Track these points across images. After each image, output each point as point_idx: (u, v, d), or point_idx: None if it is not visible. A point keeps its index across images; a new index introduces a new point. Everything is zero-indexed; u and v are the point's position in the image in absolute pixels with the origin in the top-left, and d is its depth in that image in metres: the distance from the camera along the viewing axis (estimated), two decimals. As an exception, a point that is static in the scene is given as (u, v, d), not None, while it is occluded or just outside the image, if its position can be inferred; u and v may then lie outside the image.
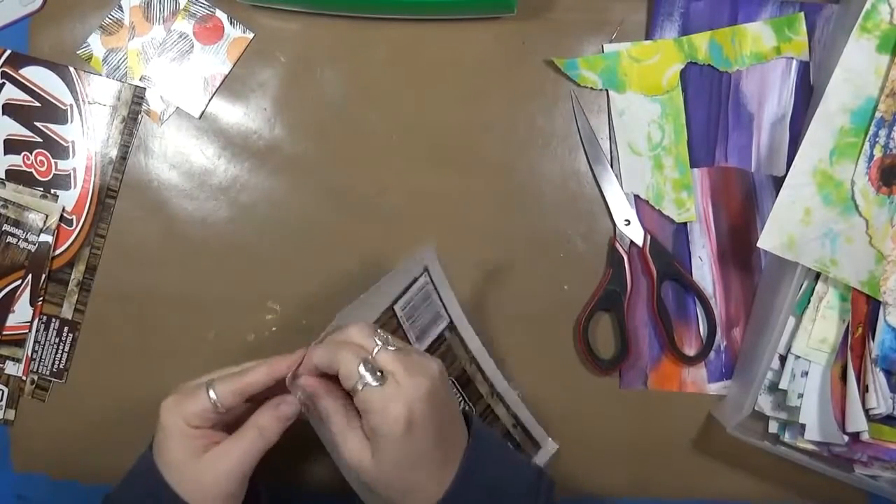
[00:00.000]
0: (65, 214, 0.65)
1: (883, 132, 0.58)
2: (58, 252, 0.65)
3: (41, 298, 0.65)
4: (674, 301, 0.65)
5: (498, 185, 0.65)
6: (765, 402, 0.62)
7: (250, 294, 0.64)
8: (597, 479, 0.65)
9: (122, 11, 0.65)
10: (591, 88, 0.64)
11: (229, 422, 0.52)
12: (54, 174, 0.65)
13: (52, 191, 0.65)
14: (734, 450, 0.64)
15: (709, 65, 0.64)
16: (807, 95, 0.64)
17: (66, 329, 0.65)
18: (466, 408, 0.63)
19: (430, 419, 0.48)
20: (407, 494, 0.49)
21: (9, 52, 0.65)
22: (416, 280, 0.59)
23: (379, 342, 0.50)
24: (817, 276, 0.61)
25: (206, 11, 0.65)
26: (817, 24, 0.64)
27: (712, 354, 0.64)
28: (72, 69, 0.65)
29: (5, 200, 0.65)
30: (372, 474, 0.48)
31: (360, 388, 0.47)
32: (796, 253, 0.58)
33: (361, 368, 0.48)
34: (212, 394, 0.50)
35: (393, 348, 0.49)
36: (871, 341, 0.59)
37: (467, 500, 0.49)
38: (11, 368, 0.65)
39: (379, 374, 0.48)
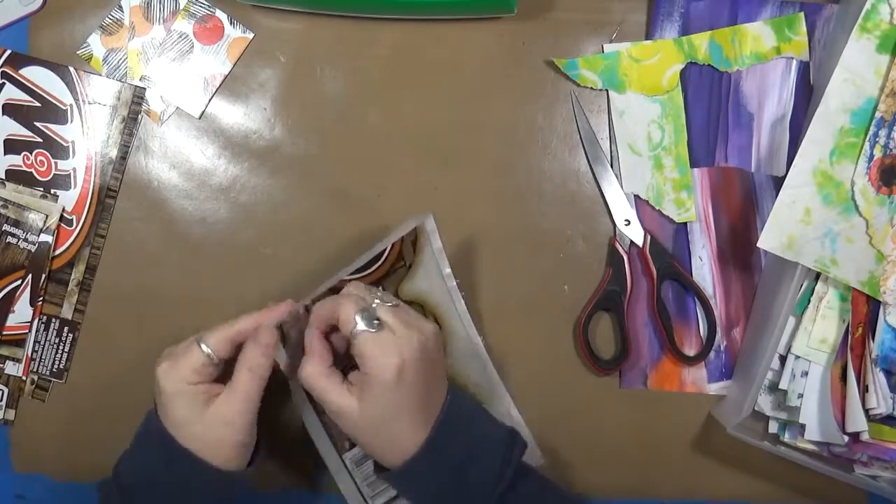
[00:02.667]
0: (65, 214, 0.65)
1: (883, 132, 0.58)
2: (58, 252, 0.65)
3: (41, 298, 0.65)
4: (674, 301, 0.65)
5: (498, 185, 0.65)
6: (765, 402, 0.62)
7: (250, 294, 0.64)
8: (597, 479, 0.65)
9: (122, 11, 0.65)
10: (591, 88, 0.64)
11: (225, 375, 0.54)
12: (54, 174, 0.65)
13: (52, 191, 0.65)
14: (734, 450, 0.64)
15: (709, 65, 0.64)
16: (807, 95, 0.64)
17: (66, 329, 0.65)
18: None
19: (420, 372, 0.51)
20: (386, 445, 0.51)
21: (9, 52, 0.65)
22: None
23: (377, 298, 0.53)
24: (817, 276, 0.61)
25: (206, 11, 0.65)
26: (817, 24, 0.64)
27: (712, 354, 0.65)
28: (72, 69, 0.65)
29: (5, 200, 0.65)
30: (356, 421, 0.51)
31: (357, 332, 0.50)
32: (796, 253, 0.58)
33: (359, 316, 0.50)
34: (204, 347, 0.52)
35: (390, 304, 0.53)
36: (871, 341, 0.59)
37: (442, 455, 0.51)
38: (11, 368, 0.65)
39: (376, 322, 0.51)
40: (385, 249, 0.61)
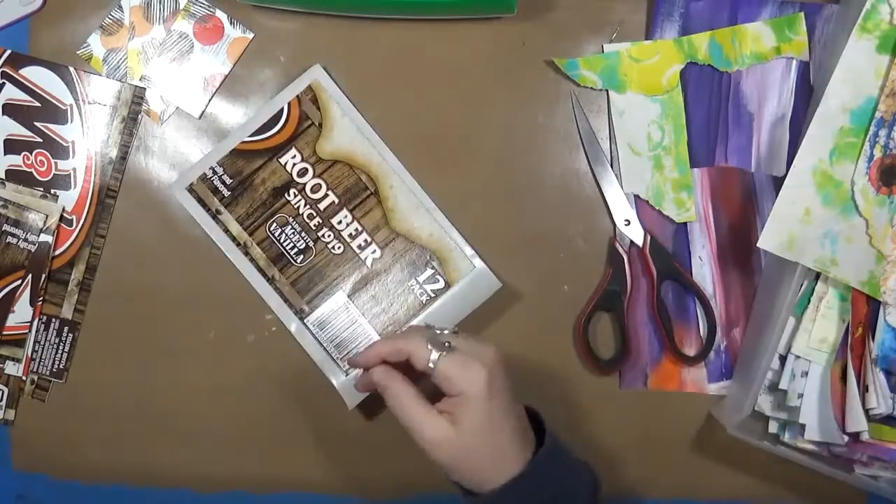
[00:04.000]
0: (65, 214, 0.65)
1: (883, 132, 0.58)
2: (58, 252, 0.65)
3: (41, 298, 0.65)
4: (674, 301, 0.65)
5: (498, 184, 0.65)
6: (765, 402, 0.62)
7: (250, 294, 0.64)
8: (597, 479, 0.65)
9: (122, 11, 0.65)
10: (591, 88, 0.64)
11: None
12: (54, 174, 0.65)
13: (52, 191, 0.65)
14: (734, 450, 0.64)
15: (709, 65, 0.64)
16: (807, 95, 0.64)
17: (66, 329, 0.65)
18: None
19: (506, 380, 0.51)
20: (489, 464, 0.50)
21: (9, 52, 0.65)
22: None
23: (437, 329, 0.52)
24: (817, 276, 0.61)
25: (206, 11, 0.65)
26: (817, 24, 0.64)
27: (712, 354, 0.65)
28: (72, 69, 0.65)
29: (5, 200, 0.65)
30: (455, 445, 0.49)
31: (435, 359, 0.50)
32: (796, 253, 0.58)
33: (431, 345, 0.50)
34: None
35: (448, 330, 0.52)
36: (871, 341, 0.59)
37: (542, 482, 0.50)
38: (11, 368, 0.65)
39: (447, 345, 0.50)
40: (282, 110, 0.63)
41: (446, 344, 0.50)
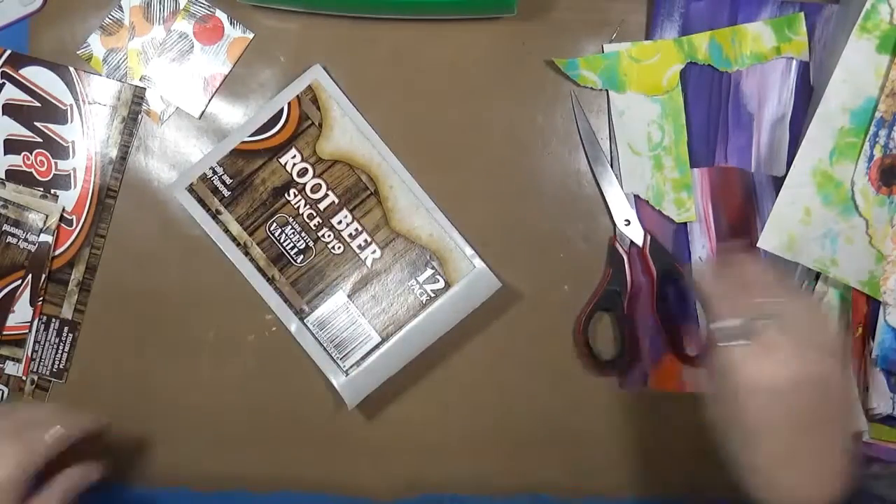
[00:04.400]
0: (65, 214, 0.65)
1: (883, 132, 0.58)
2: (58, 252, 0.65)
3: (41, 298, 0.65)
4: (674, 301, 0.65)
5: (498, 184, 0.65)
6: (765, 402, 0.62)
7: (250, 294, 0.64)
8: (597, 478, 0.65)
9: (122, 11, 0.65)
10: (591, 88, 0.64)
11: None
12: (54, 174, 0.65)
13: (52, 191, 0.65)
14: (734, 450, 0.63)
15: (709, 65, 0.64)
16: (807, 95, 0.64)
17: (66, 329, 0.65)
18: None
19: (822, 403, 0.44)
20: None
21: (9, 52, 0.65)
22: None
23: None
24: (817, 276, 0.61)
25: (206, 11, 0.65)
26: (817, 24, 0.64)
27: (712, 354, 0.64)
28: (72, 69, 0.65)
29: (5, 200, 0.65)
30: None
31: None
32: (796, 253, 0.58)
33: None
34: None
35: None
36: (871, 341, 0.59)
37: None
38: (11, 368, 0.65)
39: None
40: (282, 110, 0.63)
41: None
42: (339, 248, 0.64)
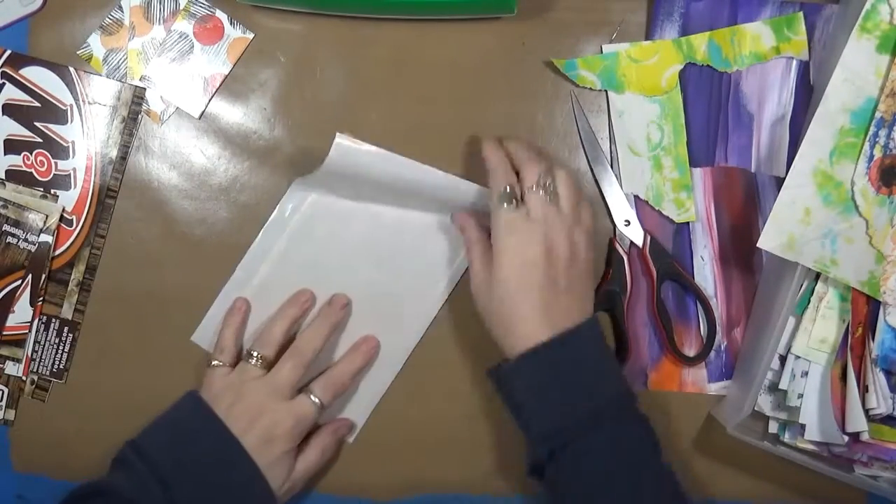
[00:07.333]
0: (65, 214, 0.65)
1: (883, 132, 0.58)
2: (58, 252, 0.65)
3: (41, 298, 0.65)
4: (674, 301, 0.65)
5: (498, 185, 0.65)
6: (765, 402, 0.62)
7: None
8: (597, 479, 0.65)
9: (122, 11, 0.65)
10: (591, 89, 0.64)
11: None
12: (54, 174, 0.65)
13: (52, 191, 0.65)
14: (734, 450, 0.63)
15: (708, 65, 0.64)
16: (807, 95, 0.64)
17: (66, 329, 0.65)
18: None
19: (570, 256, 0.54)
20: (510, 330, 0.54)
21: (9, 52, 0.65)
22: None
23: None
24: (817, 276, 0.61)
25: (206, 11, 0.65)
26: (817, 24, 0.64)
27: (712, 354, 0.64)
28: (72, 69, 0.65)
29: (5, 200, 0.65)
30: (483, 292, 0.56)
31: (533, 190, 0.55)
32: (796, 253, 0.58)
33: (536, 186, 0.55)
34: (314, 399, 0.59)
35: (564, 173, 0.56)
36: (871, 341, 0.59)
37: (560, 362, 0.53)
38: (11, 368, 0.65)
39: (549, 187, 0.55)
40: None
41: (549, 187, 0.54)
42: None
